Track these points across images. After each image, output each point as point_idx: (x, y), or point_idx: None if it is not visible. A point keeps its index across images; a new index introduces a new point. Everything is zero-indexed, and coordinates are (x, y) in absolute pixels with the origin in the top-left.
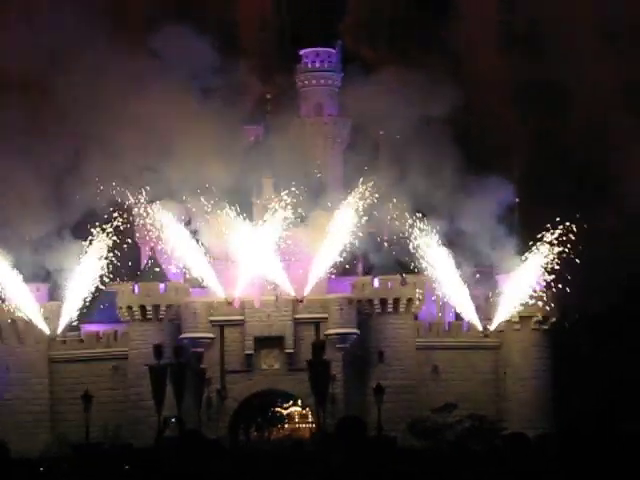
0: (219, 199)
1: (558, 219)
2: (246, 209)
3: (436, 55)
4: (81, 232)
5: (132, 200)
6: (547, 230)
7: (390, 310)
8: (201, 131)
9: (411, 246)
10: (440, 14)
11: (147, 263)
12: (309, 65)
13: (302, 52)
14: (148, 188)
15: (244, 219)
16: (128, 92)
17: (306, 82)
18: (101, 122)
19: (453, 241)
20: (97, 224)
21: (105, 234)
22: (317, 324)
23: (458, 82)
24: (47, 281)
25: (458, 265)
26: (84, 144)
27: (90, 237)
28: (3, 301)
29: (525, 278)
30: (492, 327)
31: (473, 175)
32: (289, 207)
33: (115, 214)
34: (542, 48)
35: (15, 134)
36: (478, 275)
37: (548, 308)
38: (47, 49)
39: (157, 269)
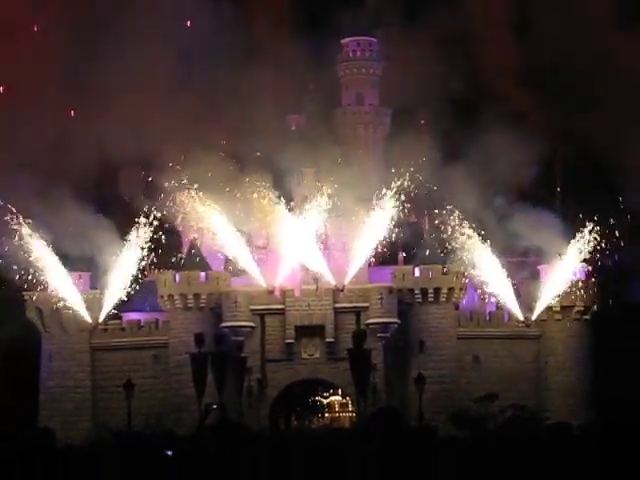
0: (261, 188)
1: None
2: (287, 198)
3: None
4: (124, 221)
5: (174, 188)
6: (589, 219)
7: (431, 300)
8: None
9: (452, 237)
10: None
11: (188, 252)
12: (350, 54)
13: (343, 41)
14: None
15: (286, 208)
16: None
17: (347, 71)
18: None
19: (493, 229)
20: (140, 212)
21: (147, 222)
22: (358, 313)
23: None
24: (89, 269)
25: (499, 254)
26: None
27: (132, 226)
28: (46, 290)
29: (567, 267)
30: (533, 317)
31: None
32: (330, 197)
33: (158, 202)
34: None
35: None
36: (520, 264)
37: (590, 298)
38: None
39: (198, 258)
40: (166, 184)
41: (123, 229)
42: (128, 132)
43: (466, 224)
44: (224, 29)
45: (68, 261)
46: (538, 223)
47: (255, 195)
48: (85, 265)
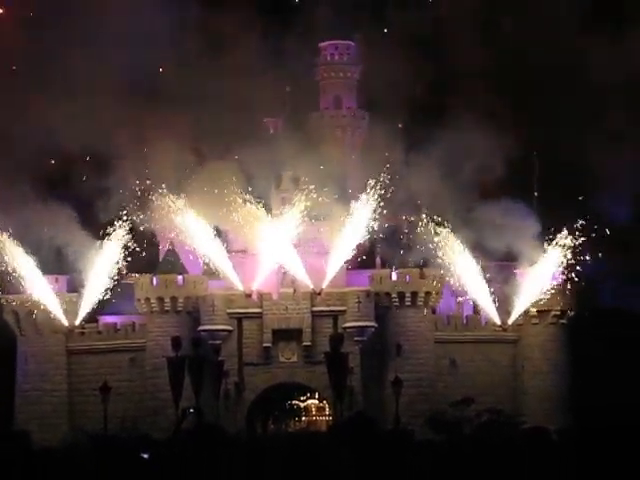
0: (238, 191)
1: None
2: (265, 202)
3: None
4: (100, 224)
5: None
6: (565, 224)
7: (408, 303)
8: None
9: (429, 241)
10: None
11: (165, 255)
12: (328, 58)
13: (321, 45)
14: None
15: (263, 211)
16: None
17: (325, 75)
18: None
19: (472, 233)
20: (117, 215)
21: (124, 226)
22: (335, 317)
23: None
24: (66, 272)
25: (476, 259)
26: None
27: (109, 229)
28: (22, 293)
29: (543, 272)
30: (510, 321)
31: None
32: (307, 200)
33: (134, 206)
34: None
35: None
36: (497, 268)
37: (566, 302)
38: None
39: (175, 261)
40: (140, 188)
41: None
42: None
43: (443, 228)
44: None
45: (45, 265)
46: (515, 224)
47: (232, 198)
48: (62, 268)
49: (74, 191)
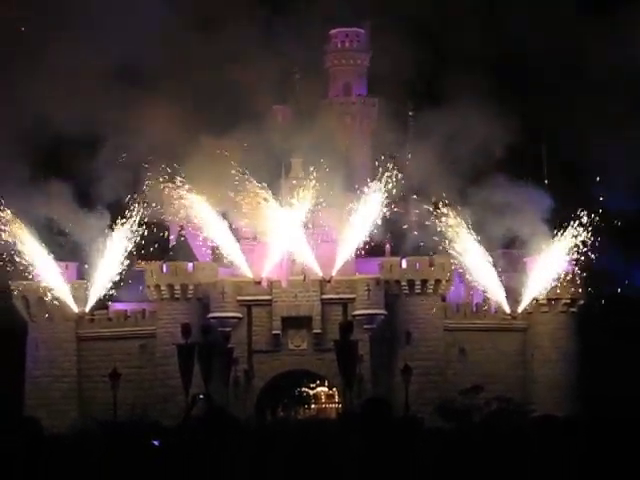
0: (247, 179)
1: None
2: (274, 189)
3: None
4: (111, 210)
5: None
6: (577, 211)
7: (418, 291)
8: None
9: (439, 228)
10: None
11: (175, 242)
12: (338, 45)
13: (331, 32)
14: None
15: (273, 199)
16: None
17: (335, 62)
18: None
19: (481, 221)
20: (126, 202)
21: (134, 213)
22: (345, 305)
23: None
24: (76, 259)
25: (486, 246)
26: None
27: (119, 216)
28: (32, 279)
29: (554, 260)
30: (520, 309)
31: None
32: (317, 188)
33: (145, 192)
34: None
35: None
36: (504, 256)
37: (576, 290)
38: None
39: (185, 248)
40: (150, 175)
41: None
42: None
43: (452, 214)
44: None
45: (55, 251)
46: (524, 209)
47: (242, 186)
48: (72, 255)
49: (73, 174)
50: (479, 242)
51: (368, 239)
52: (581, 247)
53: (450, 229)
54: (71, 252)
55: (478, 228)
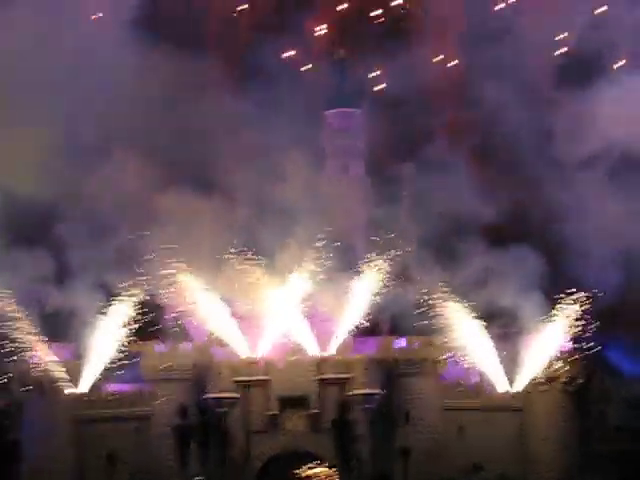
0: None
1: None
2: (271, 268)
3: None
4: (110, 290)
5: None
6: (573, 291)
7: (416, 371)
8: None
9: (436, 308)
10: None
11: (172, 323)
12: (335, 126)
13: (327, 112)
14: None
15: (269, 278)
16: None
17: (331, 142)
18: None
19: (479, 302)
20: (124, 284)
21: (131, 295)
22: (342, 384)
23: None
24: (72, 340)
25: (484, 326)
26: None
27: (117, 297)
28: (29, 360)
29: (551, 339)
30: (517, 388)
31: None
32: (314, 266)
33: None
34: None
35: None
36: (502, 335)
37: (574, 370)
38: None
39: (182, 329)
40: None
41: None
42: None
43: (450, 295)
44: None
45: (51, 332)
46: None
47: (240, 266)
48: (70, 336)
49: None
50: (476, 322)
51: (366, 318)
52: (576, 327)
53: (447, 309)
54: (66, 332)
55: (473, 305)
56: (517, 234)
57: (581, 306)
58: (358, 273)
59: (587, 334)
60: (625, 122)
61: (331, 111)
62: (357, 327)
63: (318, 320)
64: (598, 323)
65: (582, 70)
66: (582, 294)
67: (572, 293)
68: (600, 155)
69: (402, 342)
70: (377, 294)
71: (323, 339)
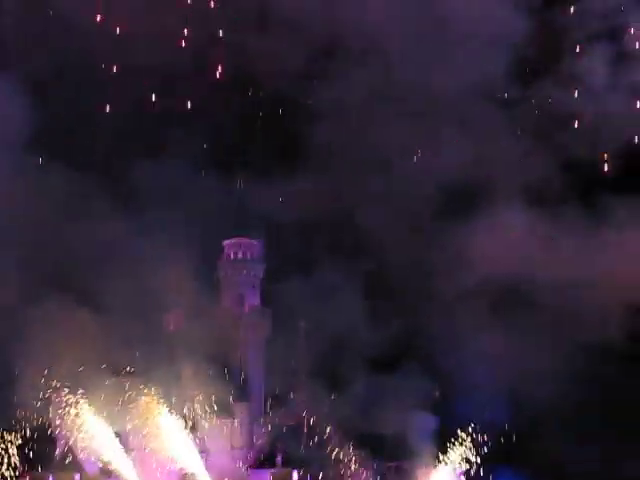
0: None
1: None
2: (166, 396)
3: None
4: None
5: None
6: (465, 427)
7: None
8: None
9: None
10: None
11: (62, 453)
12: (231, 256)
13: (225, 243)
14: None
15: (163, 409)
16: None
17: (228, 272)
18: None
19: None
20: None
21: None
22: None
23: None
24: None
25: (374, 460)
26: None
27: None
28: None
29: (444, 474)
30: None
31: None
32: (209, 398)
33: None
34: None
35: None
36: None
37: None
38: None
39: (72, 459)
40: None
41: None
42: None
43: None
44: None
45: None
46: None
47: (133, 395)
48: None
49: None
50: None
51: (260, 450)
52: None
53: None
54: None
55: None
56: (404, 363)
57: (471, 440)
58: (255, 403)
59: (477, 468)
60: (503, 257)
61: (229, 240)
62: (252, 458)
63: (212, 451)
64: (487, 457)
65: (462, 203)
66: (470, 428)
67: (462, 427)
68: (478, 289)
69: (294, 475)
70: (272, 425)
71: (217, 471)
